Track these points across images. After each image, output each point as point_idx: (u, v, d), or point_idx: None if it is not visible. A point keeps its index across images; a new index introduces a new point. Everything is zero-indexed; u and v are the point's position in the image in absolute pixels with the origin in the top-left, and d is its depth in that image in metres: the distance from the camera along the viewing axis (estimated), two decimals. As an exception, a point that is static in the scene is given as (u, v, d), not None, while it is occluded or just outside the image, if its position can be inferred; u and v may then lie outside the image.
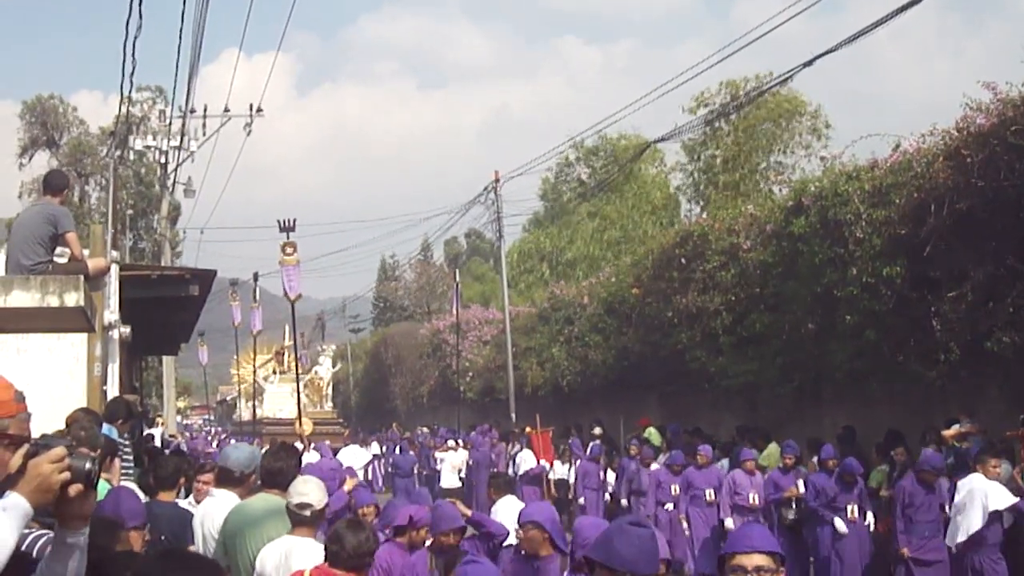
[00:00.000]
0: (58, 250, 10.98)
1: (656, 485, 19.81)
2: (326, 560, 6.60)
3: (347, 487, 12.96)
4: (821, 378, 21.14)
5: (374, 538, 6.75)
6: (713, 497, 18.51)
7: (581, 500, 22.92)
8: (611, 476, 23.45)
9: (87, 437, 7.91)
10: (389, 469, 32.19)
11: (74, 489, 3.46)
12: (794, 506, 16.64)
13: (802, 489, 16.55)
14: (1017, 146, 15.37)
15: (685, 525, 18.86)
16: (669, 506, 19.46)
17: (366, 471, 28.59)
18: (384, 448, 36.37)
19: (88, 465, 3.49)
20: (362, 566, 6.66)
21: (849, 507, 15.50)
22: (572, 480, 24.02)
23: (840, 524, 15.34)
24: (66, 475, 3.44)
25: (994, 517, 12.40)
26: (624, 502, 21.50)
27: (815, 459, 17.49)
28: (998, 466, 12.73)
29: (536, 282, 52.69)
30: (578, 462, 23.96)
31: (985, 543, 12.49)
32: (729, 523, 17.53)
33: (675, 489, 19.33)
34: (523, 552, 8.42)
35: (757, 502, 17.57)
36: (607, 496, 23.21)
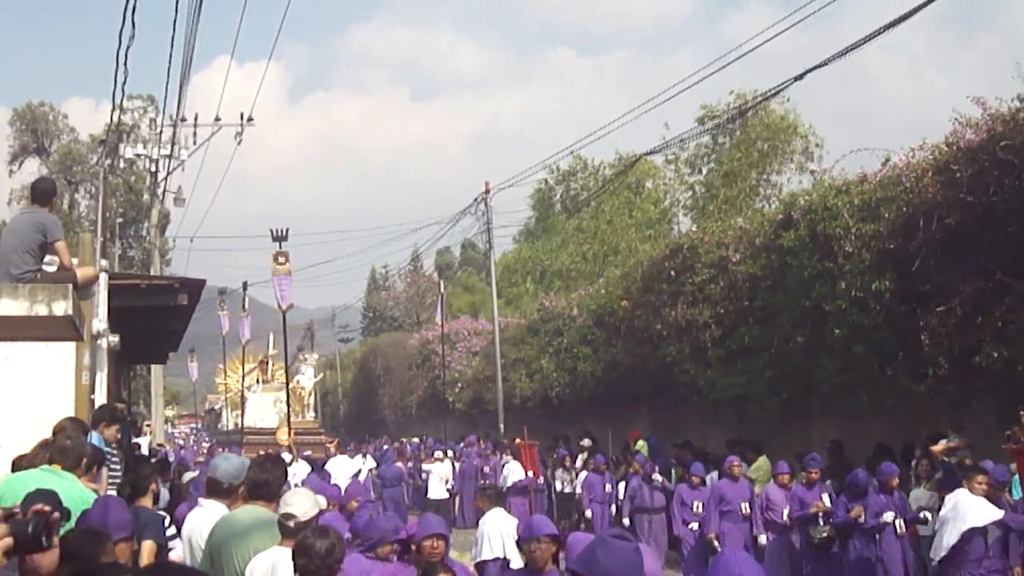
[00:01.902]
0: (47, 258, 10.96)
1: (680, 503, 18.64)
2: (295, 572, 6.50)
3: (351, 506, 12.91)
4: (810, 391, 21.15)
5: (341, 545, 6.66)
6: (748, 511, 17.30)
7: (588, 513, 22.23)
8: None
9: (72, 446, 7.90)
10: (376, 480, 32.08)
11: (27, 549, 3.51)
12: (821, 522, 15.64)
13: (828, 503, 15.69)
14: (1006, 161, 15.43)
15: (717, 544, 17.36)
16: (694, 526, 18.23)
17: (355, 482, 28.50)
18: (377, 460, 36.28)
19: (31, 528, 3.51)
20: (332, 574, 6.56)
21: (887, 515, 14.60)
22: (579, 491, 23.78)
23: (888, 515, 14.45)
24: (8, 540, 3.47)
25: (975, 532, 12.38)
26: (626, 520, 20.42)
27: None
28: (983, 482, 12.73)
29: (523, 294, 52.69)
30: (583, 474, 23.75)
31: (966, 559, 12.46)
32: (763, 539, 16.96)
33: (698, 506, 18.24)
34: (526, 567, 8.34)
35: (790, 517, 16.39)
36: (613, 509, 22.28)
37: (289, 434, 29.67)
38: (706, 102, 41.64)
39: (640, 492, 20.33)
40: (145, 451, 23.74)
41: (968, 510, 12.33)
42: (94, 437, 10.09)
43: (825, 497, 15.78)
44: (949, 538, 12.39)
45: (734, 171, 41.80)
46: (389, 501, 27.26)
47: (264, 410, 48.62)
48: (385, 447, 37.83)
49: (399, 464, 29.82)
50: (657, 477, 20.39)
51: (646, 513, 20.20)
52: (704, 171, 45.26)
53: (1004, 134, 15.73)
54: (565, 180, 52.91)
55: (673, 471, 21.36)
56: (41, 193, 11.34)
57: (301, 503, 7.12)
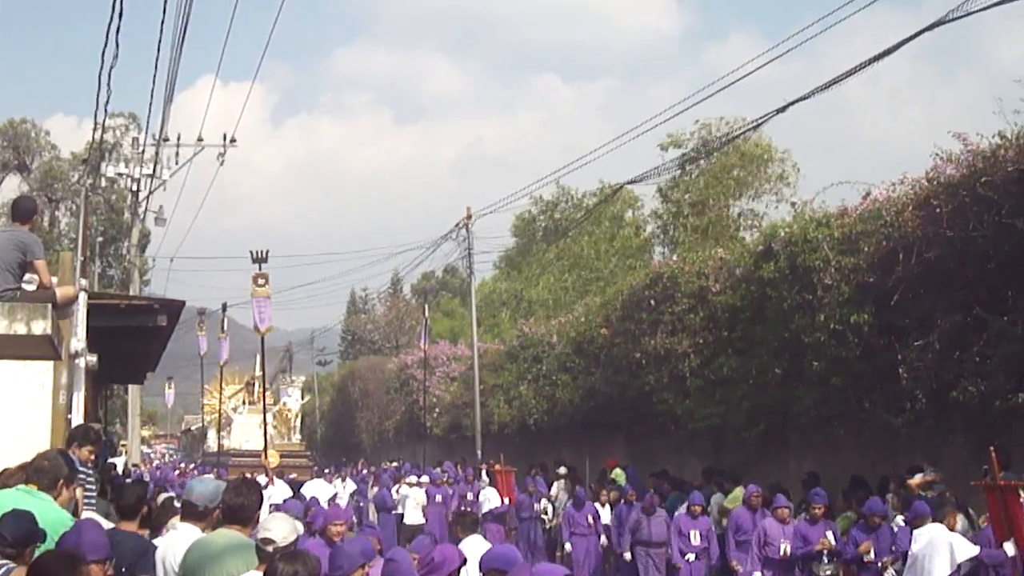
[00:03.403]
0: (26, 277, 10.91)
1: (678, 533, 18.32)
2: None
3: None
4: (787, 423, 21.18)
5: (311, 570, 6.57)
6: (788, 552, 16.01)
7: (567, 546, 21.39)
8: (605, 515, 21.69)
9: (50, 467, 7.89)
10: (360, 504, 31.89)
11: None
12: (826, 559, 15.23)
13: (833, 540, 15.32)
14: (986, 197, 15.52)
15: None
16: (691, 556, 18.06)
17: (331, 506, 28.36)
18: (358, 485, 36.02)
19: None
20: None
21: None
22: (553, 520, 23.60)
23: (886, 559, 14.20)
24: None
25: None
26: (627, 555, 19.64)
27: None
28: (955, 517, 12.80)
29: (502, 321, 52.63)
30: (561, 500, 23.54)
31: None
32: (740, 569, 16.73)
33: (695, 535, 18.06)
34: None
35: (789, 553, 15.92)
36: (604, 541, 21.29)
37: (266, 456, 29.54)
38: (674, 128, 41.49)
39: (641, 525, 19.41)
40: (120, 471, 23.66)
41: (951, 546, 12.35)
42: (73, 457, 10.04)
43: (829, 534, 15.47)
44: (940, 573, 12.36)
45: (703, 200, 41.86)
46: (383, 527, 27.10)
47: (250, 432, 48.55)
48: (384, 470, 37.71)
49: (403, 491, 29.48)
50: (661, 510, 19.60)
51: (649, 547, 19.26)
52: (671, 200, 45.12)
53: (984, 170, 15.83)
54: (548, 210, 52.80)
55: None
56: (22, 211, 11.29)
57: (280, 528, 7.09)
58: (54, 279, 12.01)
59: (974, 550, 12.37)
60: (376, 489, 30.86)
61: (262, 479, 26.34)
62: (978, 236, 15.73)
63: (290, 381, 57.03)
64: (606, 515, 21.40)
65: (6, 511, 6.84)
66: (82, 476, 9.90)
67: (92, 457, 10.79)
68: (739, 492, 19.39)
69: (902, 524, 14.65)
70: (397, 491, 28.88)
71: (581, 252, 48.21)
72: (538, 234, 54.87)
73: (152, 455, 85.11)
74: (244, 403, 52.89)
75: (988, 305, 15.70)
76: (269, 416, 36.65)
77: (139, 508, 9.18)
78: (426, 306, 42.60)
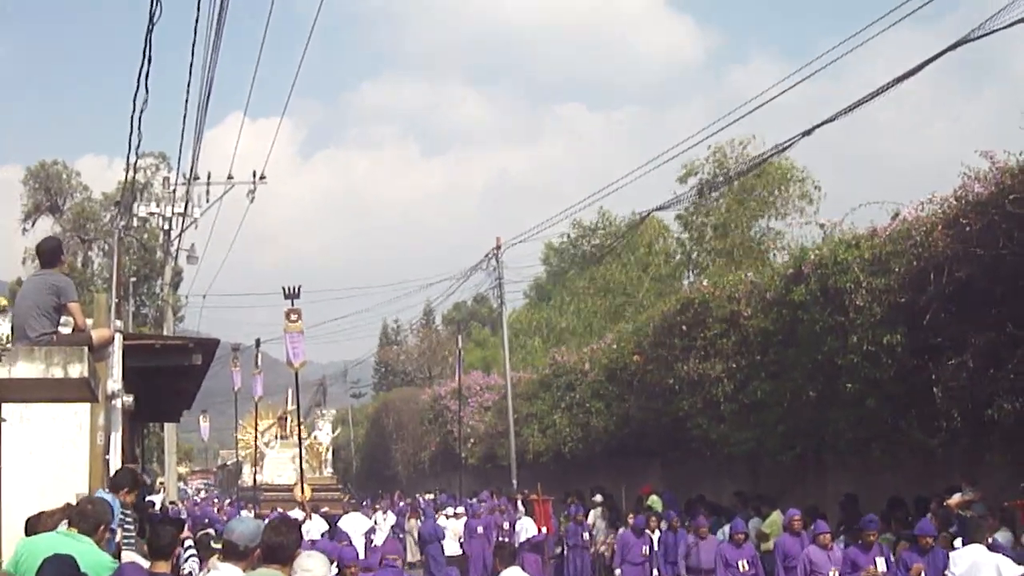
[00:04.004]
0: (62, 319, 11.01)
1: (723, 564, 17.94)
2: None
3: None
4: (823, 445, 21.10)
5: None
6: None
7: (618, 572, 21.25)
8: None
9: (93, 511, 7.96)
10: (400, 536, 31.83)
11: None
12: None
13: (883, 568, 14.79)
14: (1016, 215, 15.46)
15: None
16: None
17: (368, 539, 28.36)
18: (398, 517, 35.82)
19: None
20: None
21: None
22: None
23: None
24: None
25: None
26: None
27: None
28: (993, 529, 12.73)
29: (533, 351, 52.56)
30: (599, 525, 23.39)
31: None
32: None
33: (743, 565, 17.68)
34: None
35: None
36: (655, 573, 20.99)
37: (302, 491, 29.61)
38: (690, 158, 41.29)
39: (691, 551, 19.35)
40: (158, 509, 23.76)
41: (998, 567, 12.23)
42: (109, 498, 10.13)
43: (880, 561, 14.96)
44: None
45: (724, 223, 41.82)
46: (431, 560, 27.09)
47: (282, 466, 48.80)
48: (431, 499, 37.63)
49: (451, 520, 29.41)
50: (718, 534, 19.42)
51: (699, 574, 19.15)
52: (693, 225, 45.05)
53: (1013, 187, 15.77)
54: (587, 235, 52.62)
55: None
56: (47, 254, 11.28)
57: (317, 567, 7.15)
58: (89, 321, 12.13)
59: (1020, 569, 12.28)
60: (414, 520, 30.81)
61: (299, 514, 26.46)
62: (1008, 253, 15.66)
63: (320, 415, 57.15)
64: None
65: (47, 555, 6.91)
66: (122, 517, 9.99)
67: (131, 500, 10.89)
68: (776, 516, 19.32)
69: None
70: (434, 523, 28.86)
71: (613, 279, 48.09)
72: (568, 262, 54.87)
73: (189, 491, 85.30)
74: (276, 437, 53.07)
75: (1021, 322, 15.62)
76: (301, 450, 36.77)
77: (172, 549, 9.24)
78: (459, 337, 42.65)
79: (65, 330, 11.04)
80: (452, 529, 28.40)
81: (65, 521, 8.14)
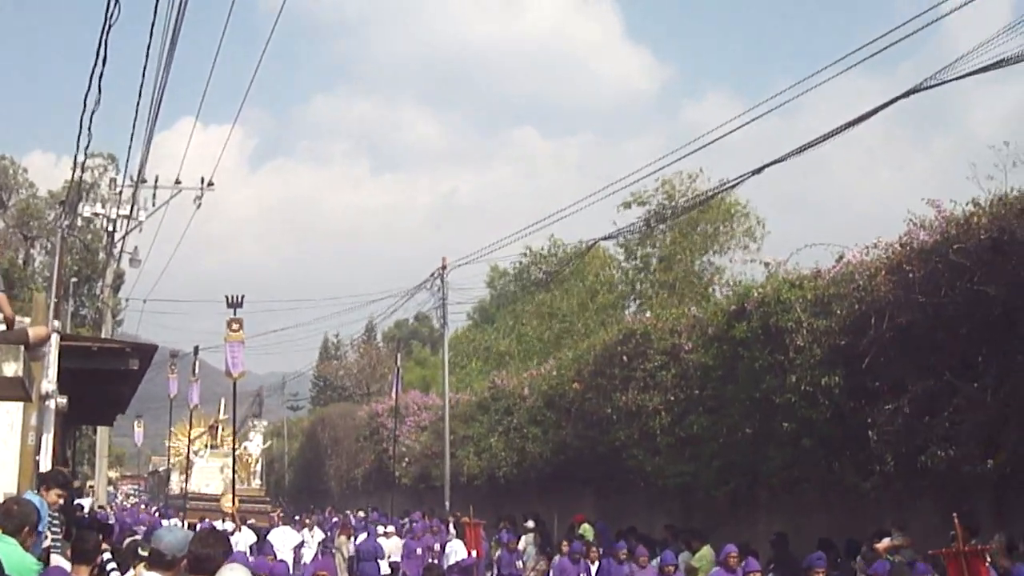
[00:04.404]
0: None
1: None
2: None
3: None
4: (756, 483, 21.20)
5: None
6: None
7: None
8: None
9: (19, 512, 7.83)
10: (326, 551, 31.45)
11: None
12: None
13: None
14: (959, 264, 15.64)
15: None
16: None
17: (297, 554, 28.13)
18: (327, 533, 35.44)
19: None
20: None
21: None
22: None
23: None
24: None
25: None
26: None
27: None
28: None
29: (472, 373, 52.48)
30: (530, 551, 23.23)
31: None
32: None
33: None
34: None
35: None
36: None
37: (234, 502, 29.37)
38: (638, 187, 41.41)
39: None
40: (86, 512, 23.46)
41: None
42: (36, 500, 9.98)
43: None
44: None
45: (671, 256, 42.00)
46: None
47: (211, 475, 48.36)
48: (363, 517, 37.27)
49: (382, 539, 29.00)
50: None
51: None
52: (638, 256, 45.32)
53: (957, 237, 15.97)
54: (538, 261, 52.57)
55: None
56: None
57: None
58: (27, 319, 11.97)
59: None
60: (344, 537, 30.51)
61: (228, 525, 26.22)
62: (950, 302, 15.84)
63: (252, 425, 56.76)
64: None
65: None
66: (50, 519, 9.85)
67: (60, 501, 10.73)
68: (706, 551, 19.29)
69: None
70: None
71: (556, 306, 48.10)
72: (515, 286, 54.86)
73: (118, 496, 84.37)
74: (206, 446, 52.62)
75: (958, 371, 15.80)
76: (231, 460, 36.49)
77: (95, 555, 9.12)
78: (399, 355, 42.49)
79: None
80: (386, 548, 28.16)
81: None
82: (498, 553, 24.45)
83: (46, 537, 9.64)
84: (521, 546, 24.72)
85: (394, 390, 40.17)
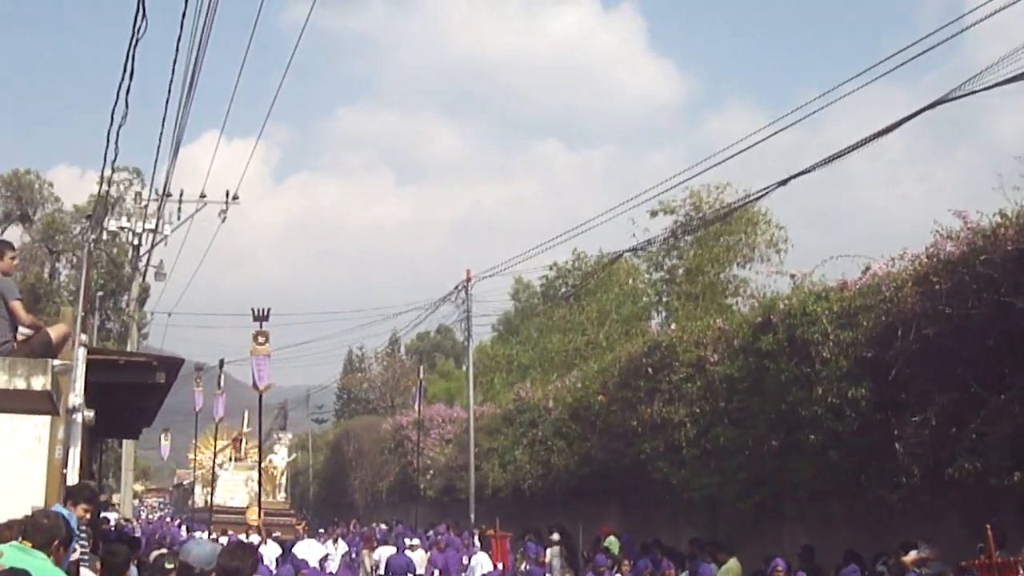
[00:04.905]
0: (21, 329, 10.90)
1: None
2: None
3: None
4: (782, 495, 21.12)
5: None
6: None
7: None
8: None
9: (48, 525, 7.83)
10: (351, 564, 31.39)
11: None
12: None
13: None
14: (986, 275, 15.55)
15: None
16: None
17: (323, 567, 28.08)
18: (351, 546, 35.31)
19: None
20: None
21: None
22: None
23: None
24: None
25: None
26: None
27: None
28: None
29: (497, 385, 52.42)
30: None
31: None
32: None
33: None
34: None
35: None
36: None
37: (259, 515, 29.40)
38: (666, 196, 41.28)
39: None
40: (112, 526, 23.51)
41: None
42: (70, 516, 10.01)
43: None
44: None
45: (697, 267, 41.90)
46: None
47: (235, 488, 48.41)
48: (386, 529, 37.10)
49: (410, 553, 28.87)
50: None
51: None
52: (665, 267, 45.21)
53: (984, 248, 15.88)
54: (562, 276, 52.42)
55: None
56: None
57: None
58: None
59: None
60: (368, 551, 30.43)
61: (254, 538, 26.25)
62: (977, 314, 15.75)
63: (277, 438, 56.87)
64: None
65: (2, 570, 6.80)
66: (77, 533, 9.87)
67: (88, 516, 10.76)
68: (733, 564, 19.26)
69: None
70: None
71: (575, 319, 48.01)
72: (539, 299, 54.83)
73: (143, 510, 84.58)
74: (231, 459, 52.72)
75: (985, 383, 15.70)
76: (255, 473, 36.55)
77: (125, 569, 9.13)
78: (421, 367, 42.51)
79: (26, 332, 10.93)
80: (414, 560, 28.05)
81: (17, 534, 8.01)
82: (524, 566, 24.41)
83: (75, 550, 9.66)
84: (547, 558, 24.67)
85: (417, 403, 40.20)
